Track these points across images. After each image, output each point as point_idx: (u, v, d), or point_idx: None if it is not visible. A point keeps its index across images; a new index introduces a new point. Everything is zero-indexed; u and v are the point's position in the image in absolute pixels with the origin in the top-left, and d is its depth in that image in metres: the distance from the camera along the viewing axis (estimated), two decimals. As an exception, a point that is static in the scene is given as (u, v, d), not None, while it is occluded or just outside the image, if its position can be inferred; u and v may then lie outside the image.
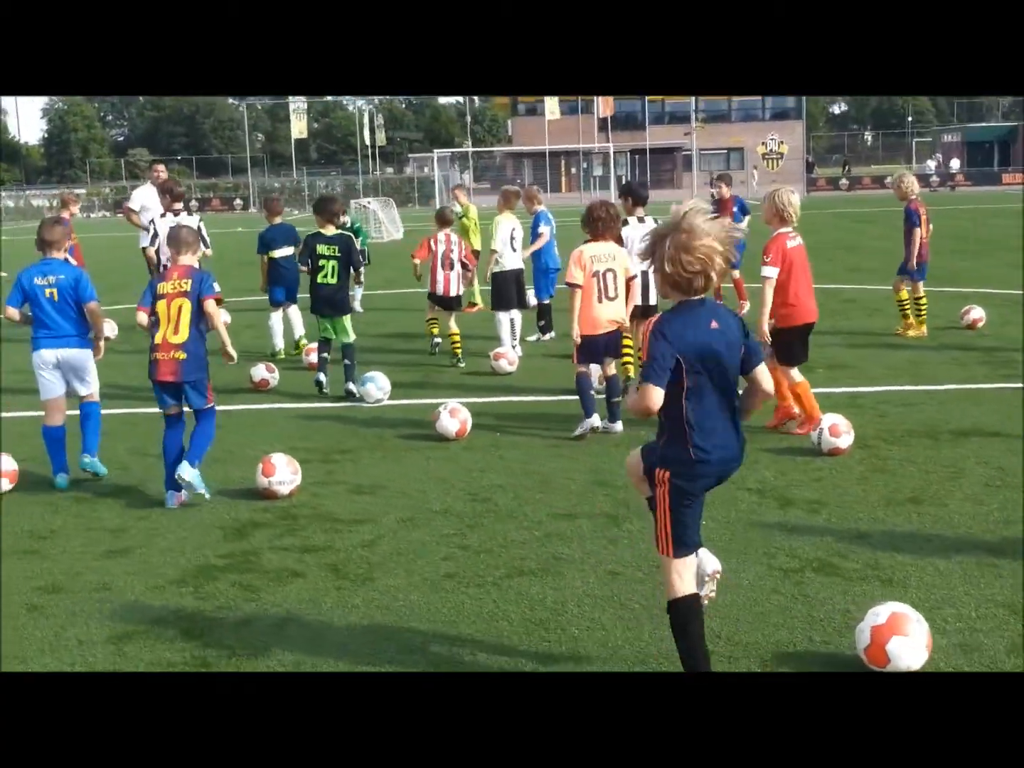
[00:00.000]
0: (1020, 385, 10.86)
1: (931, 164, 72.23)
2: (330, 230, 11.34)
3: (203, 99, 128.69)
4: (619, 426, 9.71)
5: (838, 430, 8.69)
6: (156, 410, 8.50)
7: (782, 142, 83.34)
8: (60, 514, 8.06)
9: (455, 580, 6.47)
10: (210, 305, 8.05)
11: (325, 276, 11.11)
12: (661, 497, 4.77)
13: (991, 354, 12.75)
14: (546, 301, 15.05)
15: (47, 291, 8.49)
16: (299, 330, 14.29)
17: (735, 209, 16.81)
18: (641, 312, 10.64)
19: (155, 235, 11.92)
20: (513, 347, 13.75)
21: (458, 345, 13.24)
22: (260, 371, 12.16)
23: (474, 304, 18.22)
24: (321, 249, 11.18)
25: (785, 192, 9.19)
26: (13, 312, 8.58)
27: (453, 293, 13.09)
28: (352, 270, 11.54)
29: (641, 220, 10.92)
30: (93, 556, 7.14)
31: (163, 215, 12.00)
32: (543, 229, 14.78)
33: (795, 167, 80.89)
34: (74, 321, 8.53)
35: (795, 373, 9.18)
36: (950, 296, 17.06)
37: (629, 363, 10.93)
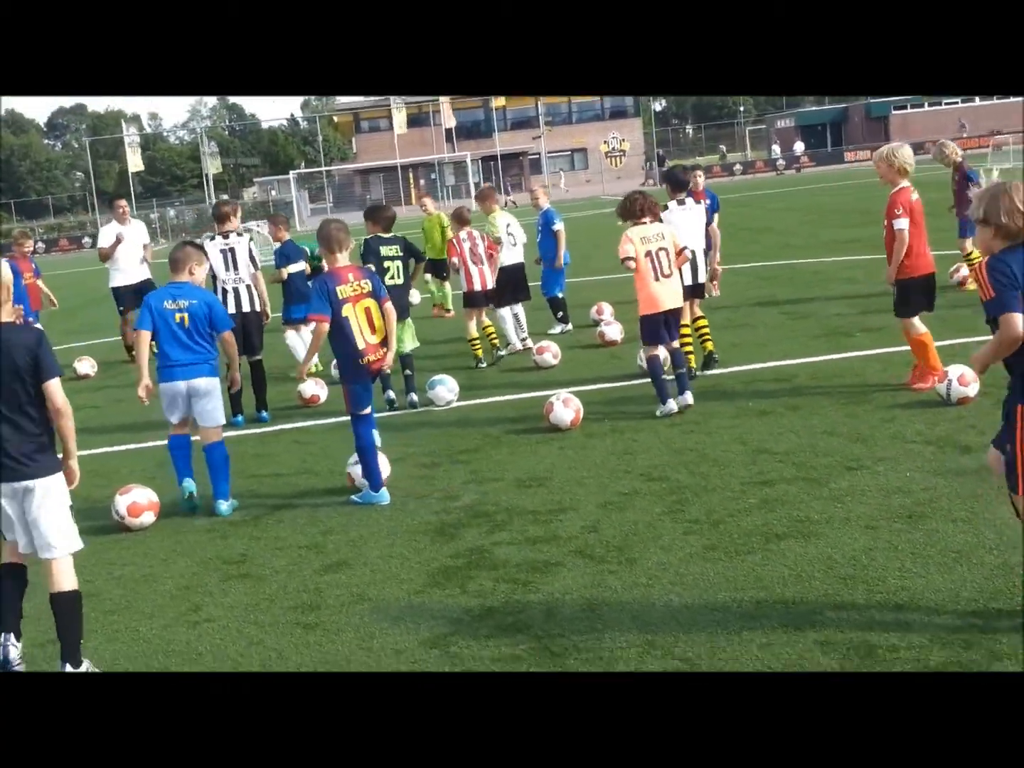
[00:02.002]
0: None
1: (776, 149, 74.35)
2: (388, 233, 11.11)
3: (17, 140, 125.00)
4: (689, 397, 9.80)
5: (966, 379, 8.90)
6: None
7: (624, 140, 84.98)
8: (234, 538, 7.74)
9: (719, 551, 6.43)
10: (390, 307, 7.88)
11: (392, 277, 10.88)
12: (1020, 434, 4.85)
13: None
14: (560, 295, 15.03)
15: (177, 316, 8.13)
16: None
17: (708, 202, 16.96)
18: (690, 291, 10.75)
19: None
20: (523, 340, 13.74)
21: (479, 346, 13.13)
22: (310, 387, 11.85)
23: (448, 310, 18.09)
24: (384, 251, 10.95)
25: (901, 149, 9.39)
26: (146, 335, 8.17)
27: (490, 286, 12.98)
28: (415, 262, 11.32)
29: (681, 203, 10.99)
30: (311, 573, 6.88)
31: (212, 238, 11.60)
32: (559, 225, 14.77)
33: (637, 163, 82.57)
34: (206, 348, 8.18)
35: (919, 323, 9.38)
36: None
37: (690, 352, 10.95)
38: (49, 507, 5.48)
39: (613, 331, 13.62)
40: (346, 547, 7.26)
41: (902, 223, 9.28)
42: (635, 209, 9.83)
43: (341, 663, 5.48)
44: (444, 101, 72.87)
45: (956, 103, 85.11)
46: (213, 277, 11.30)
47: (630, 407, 10.09)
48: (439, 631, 5.74)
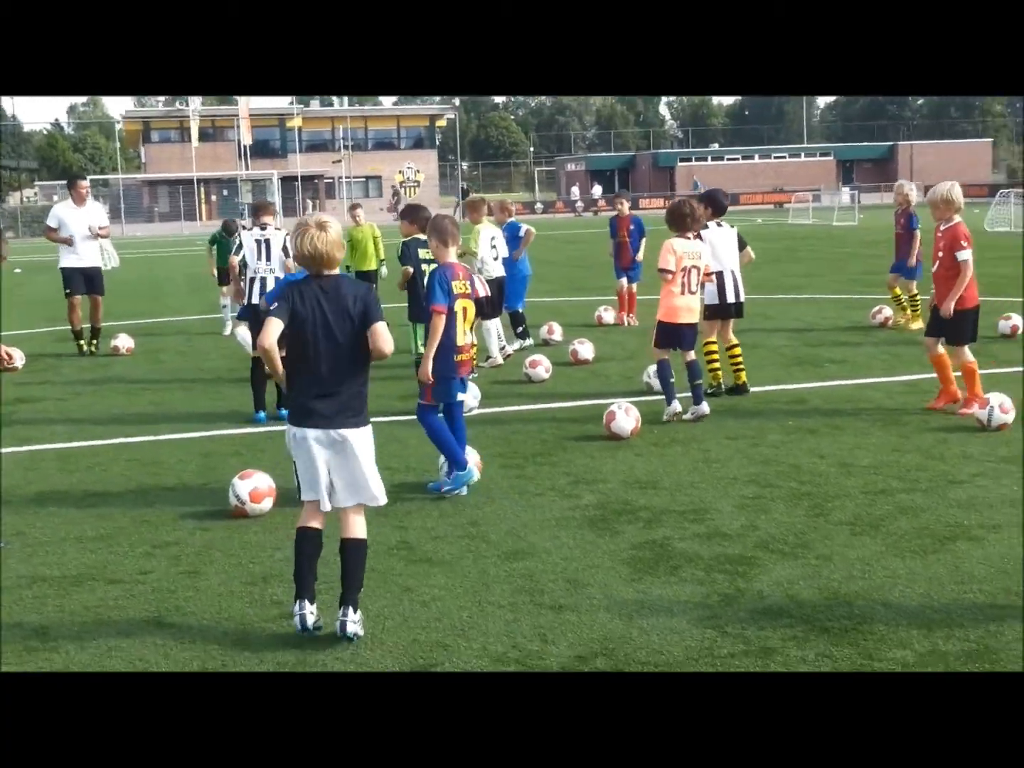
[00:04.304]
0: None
1: (576, 191, 76.34)
2: (423, 234, 11.12)
3: None
4: (705, 407, 10.30)
5: (1006, 407, 9.64)
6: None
7: (418, 170, 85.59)
8: (381, 527, 7.65)
9: (902, 549, 6.82)
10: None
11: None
12: None
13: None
14: (520, 310, 15.24)
15: None
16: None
17: (631, 227, 17.57)
18: (716, 311, 11.31)
19: (240, 246, 11.27)
20: (502, 349, 13.94)
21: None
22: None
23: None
24: (423, 253, 10.98)
25: (955, 188, 10.16)
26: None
27: (482, 294, 13.05)
28: None
29: (720, 225, 11.49)
30: (495, 560, 6.91)
31: (250, 229, 11.42)
32: (526, 228, 15.13)
33: (432, 194, 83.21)
34: None
35: (968, 352, 10.09)
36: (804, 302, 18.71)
37: (716, 368, 11.43)
38: (362, 456, 5.67)
39: (586, 350, 13.93)
40: (509, 537, 7.31)
41: (967, 254, 10.02)
42: (686, 221, 10.30)
43: (618, 643, 5.58)
44: (243, 117, 71.68)
45: (737, 159, 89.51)
46: (244, 266, 11.14)
47: (657, 421, 10.36)
48: (702, 613, 5.92)
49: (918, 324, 15.49)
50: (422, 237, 11.00)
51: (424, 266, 10.95)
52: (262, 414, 11.02)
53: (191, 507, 8.19)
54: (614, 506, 7.90)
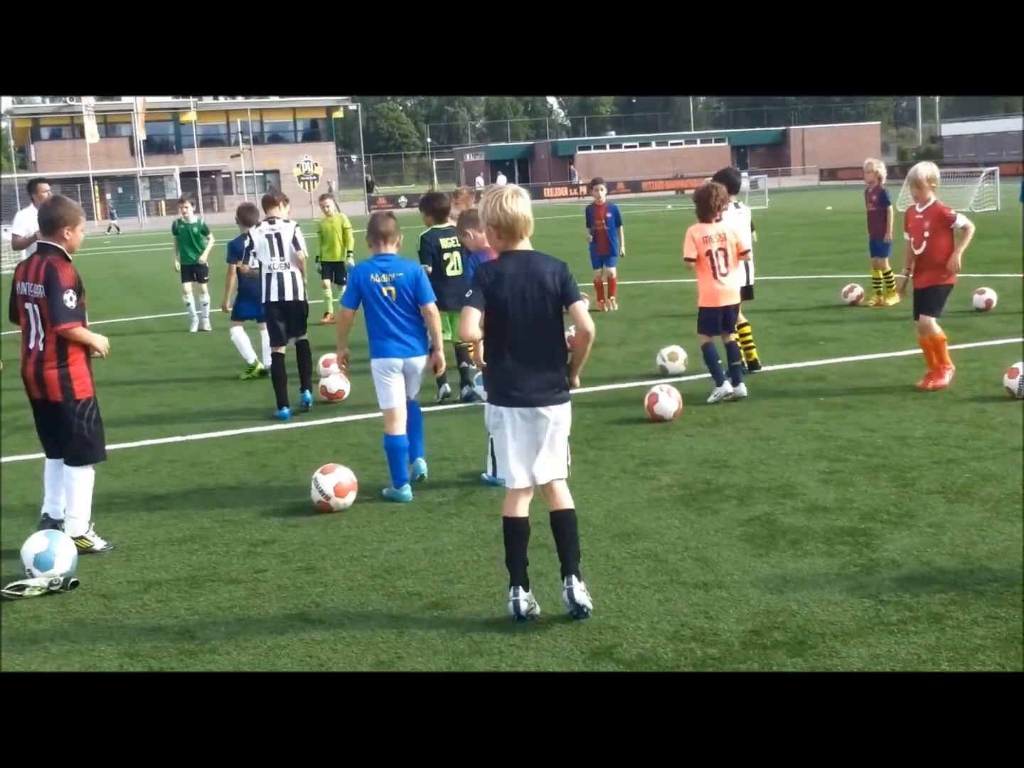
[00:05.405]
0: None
1: (480, 181, 76.24)
2: (444, 224, 11.08)
3: None
4: (743, 388, 10.47)
5: (1036, 375, 9.93)
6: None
7: (316, 164, 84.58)
8: (461, 518, 7.63)
9: (1005, 514, 7.00)
10: (433, 308, 8.10)
11: (453, 268, 10.86)
12: None
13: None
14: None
15: (384, 289, 7.94)
16: (254, 354, 13.51)
17: (608, 215, 17.57)
18: (742, 293, 11.44)
19: (251, 244, 11.03)
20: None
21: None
22: (335, 382, 11.57)
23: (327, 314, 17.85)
24: (444, 243, 10.92)
25: (930, 167, 10.47)
26: (350, 314, 7.97)
27: None
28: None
29: (736, 206, 11.63)
30: (609, 542, 6.93)
31: (258, 224, 11.18)
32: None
33: (332, 187, 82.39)
34: (414, 323, 8.02)
35: (937, 325, 10.44)
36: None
37: (751, 346, 11.60)
38: (563, 432, 5.74)
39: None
40: (612, 521, 7.32)
41: (964, 219, 10.32)
42: (713, 206, 10.41)
43: (786, 616, 5.66)
44: (140, 112, 70.34)
45: (635, 146, 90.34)
46: (259, 262, 10.97)
47: (693, 403, 10.43)
48: (849, 584, 6.02)
49: (894, 299, 15.83)
50: (440, 227, 10.98)
51: (447, 255, 10.88)
52: (286, 410, 10.88)
53: (267, 504, 8.08)
54: (698, 486, 7.97)
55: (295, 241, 11.00)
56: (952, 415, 9.52)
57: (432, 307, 8.06)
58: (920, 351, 10.95)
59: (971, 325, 13.93)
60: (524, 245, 5.64)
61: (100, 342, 7.27)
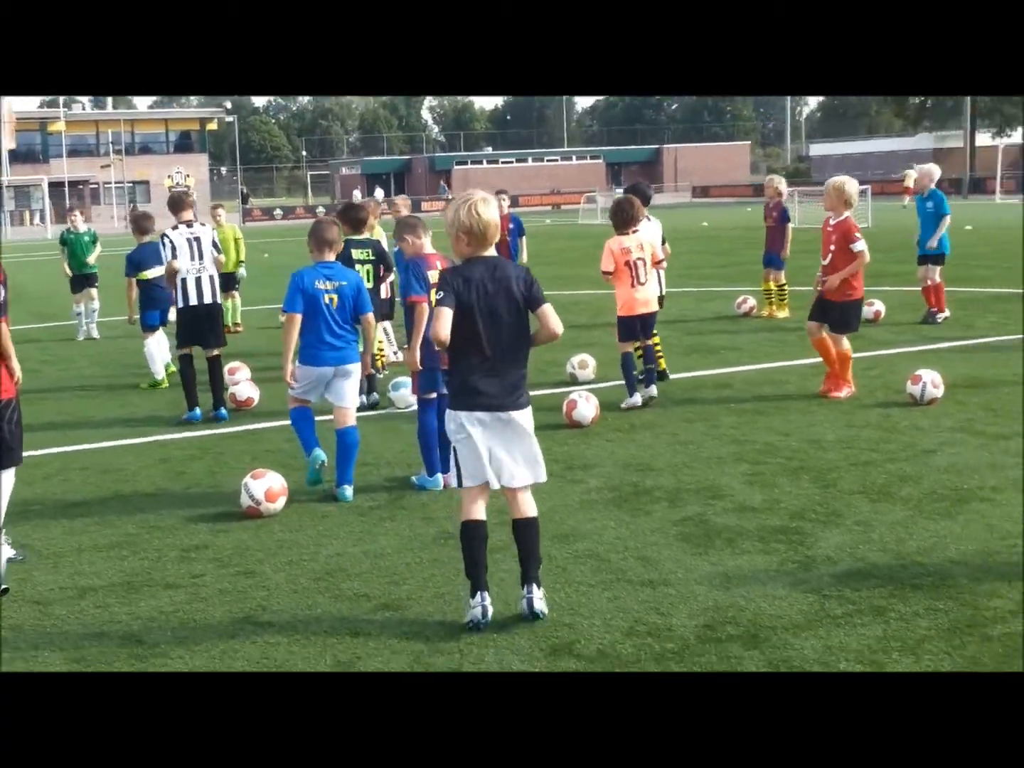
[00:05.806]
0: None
1: (357, 194, 75.89)
2: (360, 235, 11.03)
3: None
4: (654, 390, 10.79)
5: (937, 383, 10.28)
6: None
7: (188, 175, 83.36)
8: (438, 522, 7.62)
9: (938, 502, 7.24)
10: (371, 317, 8.25)
11: (366, 280, 10.78)
12: None
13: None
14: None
15: (327, 296, 7.91)
16: (167, 356, 13.30)
17: (511, 226, 17.64)
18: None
19: (173, 248, 10.77)
20: (395, 354, 13.92)
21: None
22: (245, 389, 11.45)
23: (237, 324, 17.67)
24: (356, 253, 10.85)
25: (850, 183, 10.70)
26: (298, 319, 7.89)
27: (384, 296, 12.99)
28: (384, 270, 11.29)
29: (648, 218, 11.82)
30: (555, 543, 6.97)
31: (175, 227, 10.93)
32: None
33: (203, 199, 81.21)
34: (349, 332, 8.02)
35: (846, 341, 10.78)
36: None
37: (660, 356, 11.78)
38: (527, 436, 5.75)
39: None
40: (548, 523, 7.32)
41: (862, 245, 10.61)
42: (627, 218, 10.60)
43: (735, 611, 5.78)
44: (7, 122, 68.44)
45: (511, 162, 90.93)
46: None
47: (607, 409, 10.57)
48: (790, 580, 6.16)
49: (784, 313, 16.24)
50: (356, 237, 10.93)
51: (358, 266, 10.80)
52: (198, 412, 10.73)
53: (191, 510, 7.94)
54: (626, 488, 8.07)
55: (215, 244, 10.86)
56: (860, 420, 9.80)
57: (371, 317, 8.13)
58: (819, 359, 11.22)
59: (863, 335, 14.27)
60: (491, 252, 5.67)
61: None
